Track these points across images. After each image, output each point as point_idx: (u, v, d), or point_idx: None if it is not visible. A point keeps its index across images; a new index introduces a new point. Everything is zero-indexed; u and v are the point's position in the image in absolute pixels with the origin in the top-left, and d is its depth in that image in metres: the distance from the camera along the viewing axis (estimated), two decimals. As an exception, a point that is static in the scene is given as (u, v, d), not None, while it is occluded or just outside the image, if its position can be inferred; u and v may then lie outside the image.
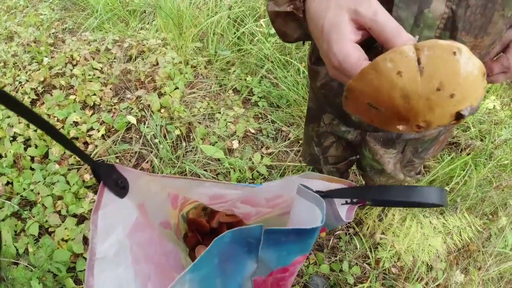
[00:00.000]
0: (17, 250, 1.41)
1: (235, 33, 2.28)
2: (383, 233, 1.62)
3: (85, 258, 1.43)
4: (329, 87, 0.86)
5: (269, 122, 1.94)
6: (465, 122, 2.00)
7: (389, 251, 1.55)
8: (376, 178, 1.22)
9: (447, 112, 0.37)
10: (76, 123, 1.78)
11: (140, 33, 2.43)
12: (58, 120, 1.78)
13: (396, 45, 0.37)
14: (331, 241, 1.59)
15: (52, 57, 2.19)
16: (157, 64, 2.09)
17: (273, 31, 2.22)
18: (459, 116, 0.37)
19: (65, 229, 1.46)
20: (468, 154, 1.87)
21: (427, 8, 0.53)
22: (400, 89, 0.35)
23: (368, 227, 1.61)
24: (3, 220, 1.54)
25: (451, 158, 1.79)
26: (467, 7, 0.52)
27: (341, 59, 0.40)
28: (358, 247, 1.57)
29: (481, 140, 1.97)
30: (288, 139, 1.87)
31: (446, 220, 1.63)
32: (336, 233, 1.62)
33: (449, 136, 1.04)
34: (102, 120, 1.79)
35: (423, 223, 1.60)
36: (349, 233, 1.62)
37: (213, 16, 2.31)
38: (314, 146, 1.18)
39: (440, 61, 0.34)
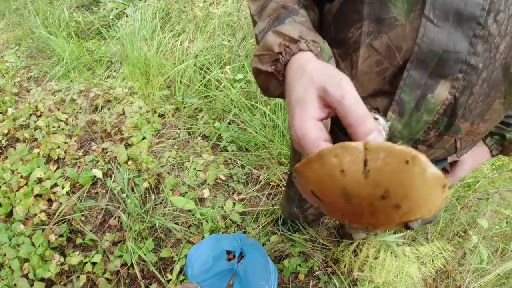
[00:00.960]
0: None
1: (201, 80, 2.32)
2: (360, 269, 1.62)
3: None
4: None
5: (239, 167, 1.95)
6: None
7: (368, 286, 1.55)
8: (355, 232, 1.25)
9: (392, 221, 0.33)
10: (40, 179, 1.71)
11: (106, 81, 2.43)
12: (22, 177, 1.71)
13: (358, 133, 0.35)
14: (310, 283, 1.57)
15: (16, 108, 2.13)
16: (124, 113, 2.08)
17: (238, 77, 2.28)
18: (407, 227, 0.34)
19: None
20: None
21: (431, 93, 0.51)
22: (341, 188, 0.33)
23: (345, 265, 1.61)
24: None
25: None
26: (470, 95, 0.50)
27: (300, 136, 0.38)
28: (338, 286, 1.56)
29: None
30: (259, 183, 1.88)
31: (417, 249, 1.66)
32: (315, 274, 1.60)
33: None
34: (67, 176, 1.74)
35: (397, 253, 1.62)
36: (327, 273, 1.61)
37: (180, 65, 2.35)
38: (294, 207, 1.21)
39: (389, 168, 0.30)
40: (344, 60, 0.56)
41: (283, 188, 1.86)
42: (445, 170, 0.59)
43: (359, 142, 0.31)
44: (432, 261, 1.64)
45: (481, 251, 1.71)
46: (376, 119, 0.49)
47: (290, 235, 1.66)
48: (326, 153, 0.32)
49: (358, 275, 1.61)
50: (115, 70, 2.63)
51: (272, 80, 0.50)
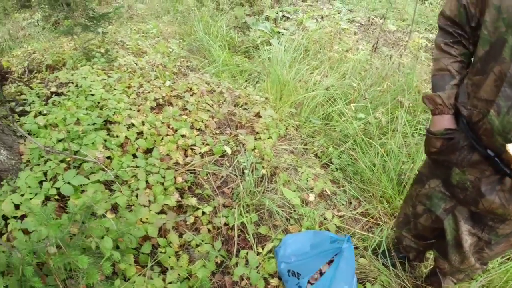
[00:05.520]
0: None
1: (327, 109, 2.58)
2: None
3: (154, 246, 1.58)
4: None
5: (342, 190, 2.09)
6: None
7: None
8: (453, 256, 1.30)
9: None
10: (184, 136, 2.06)
11: (245, 89, 2.83)
12: (171, 128, 2.08)
13: None
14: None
15: (173, 83, 2.60)
16: (258, 115, 2.40)
17: (360, 115, 2.49)
18: None
19: (150, 211, 1.62)
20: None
21: None
22: None
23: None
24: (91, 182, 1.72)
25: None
26: None
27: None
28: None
29: None
30: (360, 209, 1.98)
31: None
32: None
33: None
34: (206, 142, 2.06)
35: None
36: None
37: (311, 92, 2.66)
38: (410, 206, 1.38)
39: None
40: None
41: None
42: None
43: None
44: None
45: None
46: None
47: (377, 261, 1.71)
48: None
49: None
50: (252, 83, 3.05)
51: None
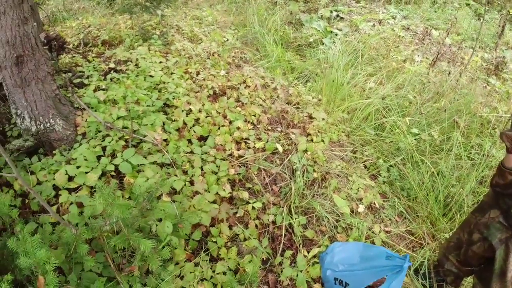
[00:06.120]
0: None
1: (380, 118, 2.53)
2: None
3: (202, 233, 1.60)
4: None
5: (389, 205, 2.05)
6: None
7: None
8: (495, 284, 1.35)
9: None
10: (238, 128, 2.07)
11: (296, 87, 2.81)
12: (226, 118, 2.10)
13: None
14: None
15: (227, 73, 2.61)
16: (311, 116, 2.38)
17: (413, 131, 2.43)
18: None
19: (205, 199, 1.65)
20: None
21: None
22: None
23: None
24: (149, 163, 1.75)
25: None
26: None
27: None
28: None
29: None
30: (404, 227, 1.95)
31: None
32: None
33: None
34: (259, 137, 2.07)
35: None
36: None
37: (365, 99, 2.61)
38: (466, 233, 1.45)
39: None
40: None
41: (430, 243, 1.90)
42: None
43: None
44: None
45: None
46: None
47: (417, 281, 1.70)
48: None
49: None
50: (301, 82, 3.02)
51: None
